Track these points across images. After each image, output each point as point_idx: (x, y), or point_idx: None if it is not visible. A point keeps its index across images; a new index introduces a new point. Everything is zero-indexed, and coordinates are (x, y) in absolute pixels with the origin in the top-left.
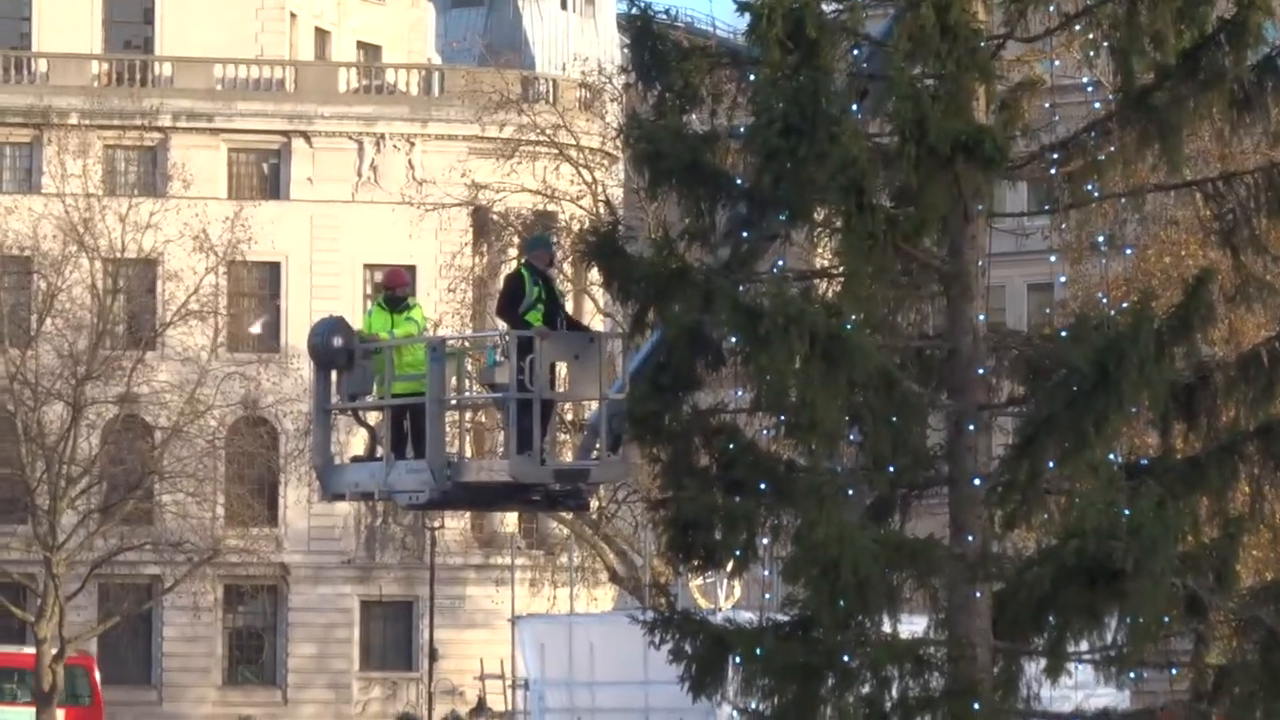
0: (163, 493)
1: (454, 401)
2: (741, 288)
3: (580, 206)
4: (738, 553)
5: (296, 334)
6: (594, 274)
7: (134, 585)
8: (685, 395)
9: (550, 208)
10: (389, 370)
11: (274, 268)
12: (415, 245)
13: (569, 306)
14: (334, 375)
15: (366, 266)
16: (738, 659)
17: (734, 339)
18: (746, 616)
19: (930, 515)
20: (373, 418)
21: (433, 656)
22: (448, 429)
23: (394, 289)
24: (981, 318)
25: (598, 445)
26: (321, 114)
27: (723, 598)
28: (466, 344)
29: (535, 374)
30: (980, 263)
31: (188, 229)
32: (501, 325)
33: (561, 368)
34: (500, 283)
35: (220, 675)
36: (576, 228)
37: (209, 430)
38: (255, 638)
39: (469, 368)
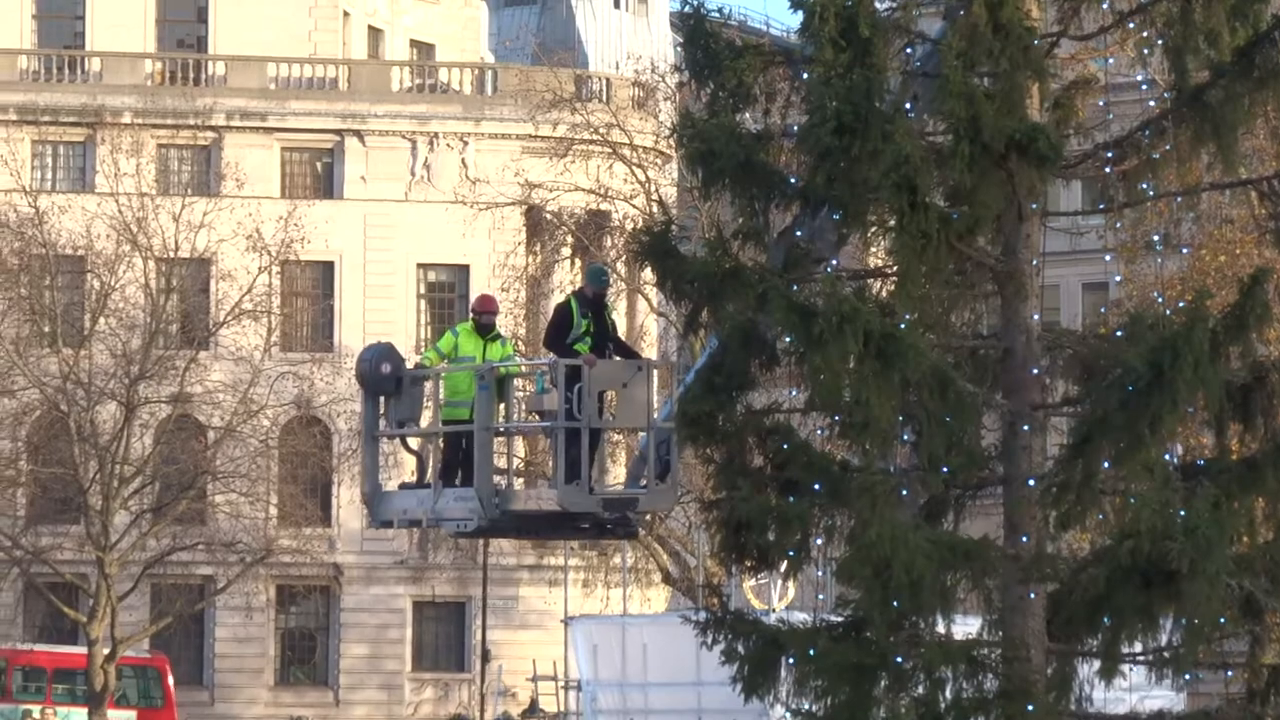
0: (215, 493)
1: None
2: (795, 287)
3: (633, 206)
4: (791, 553)
5: (350, 334)
6: (647, 274)
7: (186, 585)
8: (739, 395)
9: (603, 207)
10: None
11: (327, 267)
12: (468, 245)
13: (622, 306)
14: (382, 401)
15: (419, 266)
16: (791, 660)
17: (788, 339)
18: (800, 617)
19: (984, 516)
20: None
21: (485, 657)
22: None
23: (486, 314)
24: (1036, 317)
25: (646, 473)
26: (375, 113)
27: (776, 598)
28: (522, 368)
29: (583, 403)
30: (1034, 262)
31: (241, 228)
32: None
33: (611, 395)
34: (554, 282)
35: (272, 675)
36: (630, 227)
37: (262, 430)
38: (307, 638)
39: (521, 384)
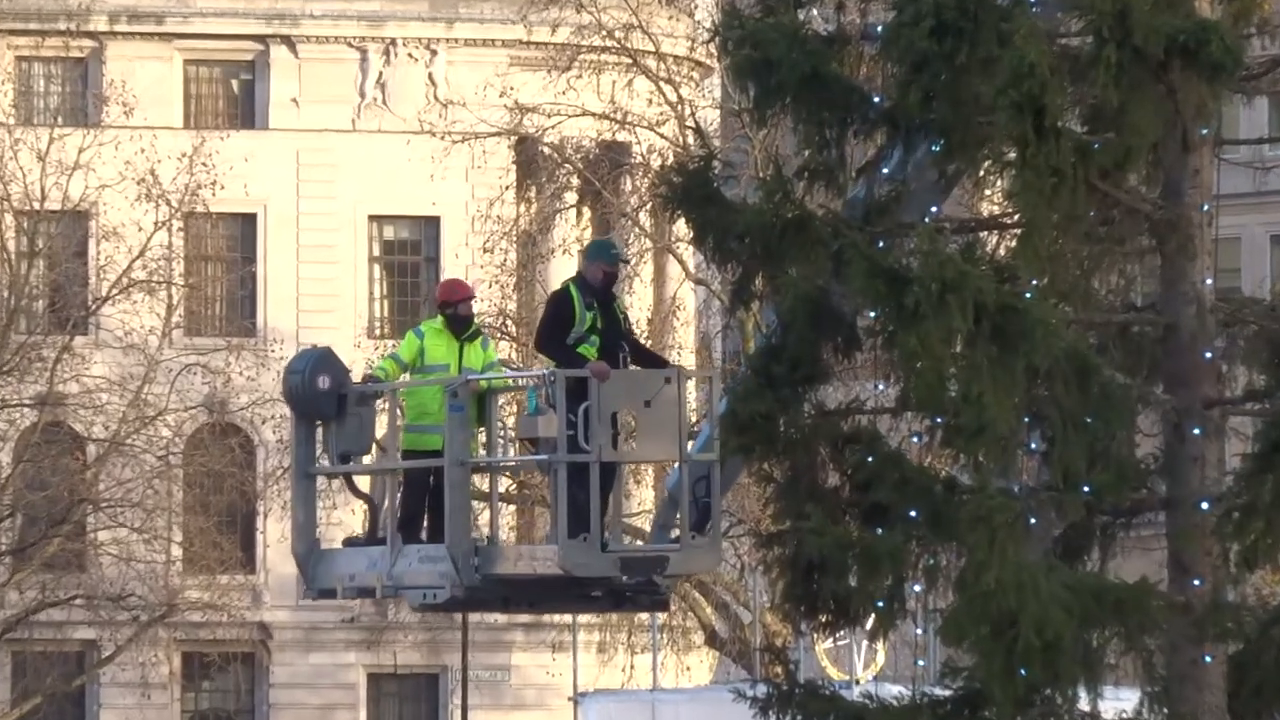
0: (98, 528)
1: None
2: (881, 244)
3: (661, 135)
4: (880, 605)
5: (278, 312)
6: (681, 227)
7: (60, 654)
8: (807, 391)
9: (621, 137)
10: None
11: (248, 221)
12: (438, 190)
13: (647, 273)
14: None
15: (373, 219)
16: None
17: (872, 314)
18: (893, 690)
19: (1142, 552)
20: (366, 483)
21: None
22: None
23: (458, 303)
24: (1209, 282)
25: (678, 522)
26: (310, 12)
27: (860, 665)
28: (509, 380)
29: (591, 428)
30: (1205, 207)
31: (130, 170)
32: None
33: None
34: (554, 239)
35: None
36: (657, 164)
37: (161, 442)
38: None
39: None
